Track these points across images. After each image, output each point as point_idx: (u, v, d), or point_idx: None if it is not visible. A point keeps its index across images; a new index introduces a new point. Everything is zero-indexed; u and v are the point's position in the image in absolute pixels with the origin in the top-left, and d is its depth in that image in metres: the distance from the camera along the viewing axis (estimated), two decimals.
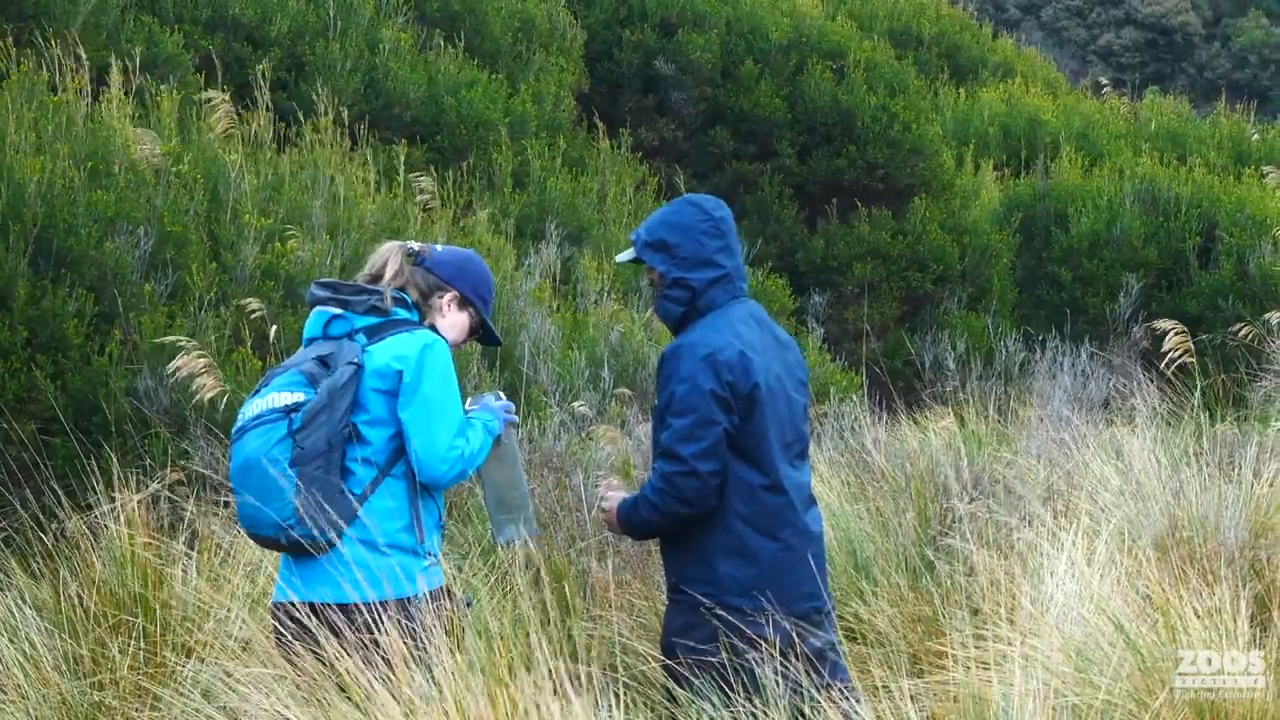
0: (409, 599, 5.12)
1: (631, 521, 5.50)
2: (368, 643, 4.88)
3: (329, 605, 5.12)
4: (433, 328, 5.44)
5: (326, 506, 5.09)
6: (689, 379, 5.35)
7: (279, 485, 5.12)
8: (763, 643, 5.24)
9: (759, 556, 5.39)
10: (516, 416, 5.58)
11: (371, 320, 5.35)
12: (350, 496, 5.17)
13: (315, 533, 5.09)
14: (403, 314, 5.38)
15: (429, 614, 4.95)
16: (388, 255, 5.51)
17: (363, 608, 5.04)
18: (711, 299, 5.50)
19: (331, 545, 5.15)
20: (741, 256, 5.64)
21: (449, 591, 5.33)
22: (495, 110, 13.37)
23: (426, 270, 5.50)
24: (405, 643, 4.78)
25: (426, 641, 4.78)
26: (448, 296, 5.50)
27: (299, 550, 5.18)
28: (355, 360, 5.26)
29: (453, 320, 5.51)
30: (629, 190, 14.47)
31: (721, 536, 5.40)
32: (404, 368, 5.23)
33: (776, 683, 5.12)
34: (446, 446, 5.22)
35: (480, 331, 5.63)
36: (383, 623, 4.88)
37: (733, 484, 5.39)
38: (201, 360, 7.67)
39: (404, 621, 4.93)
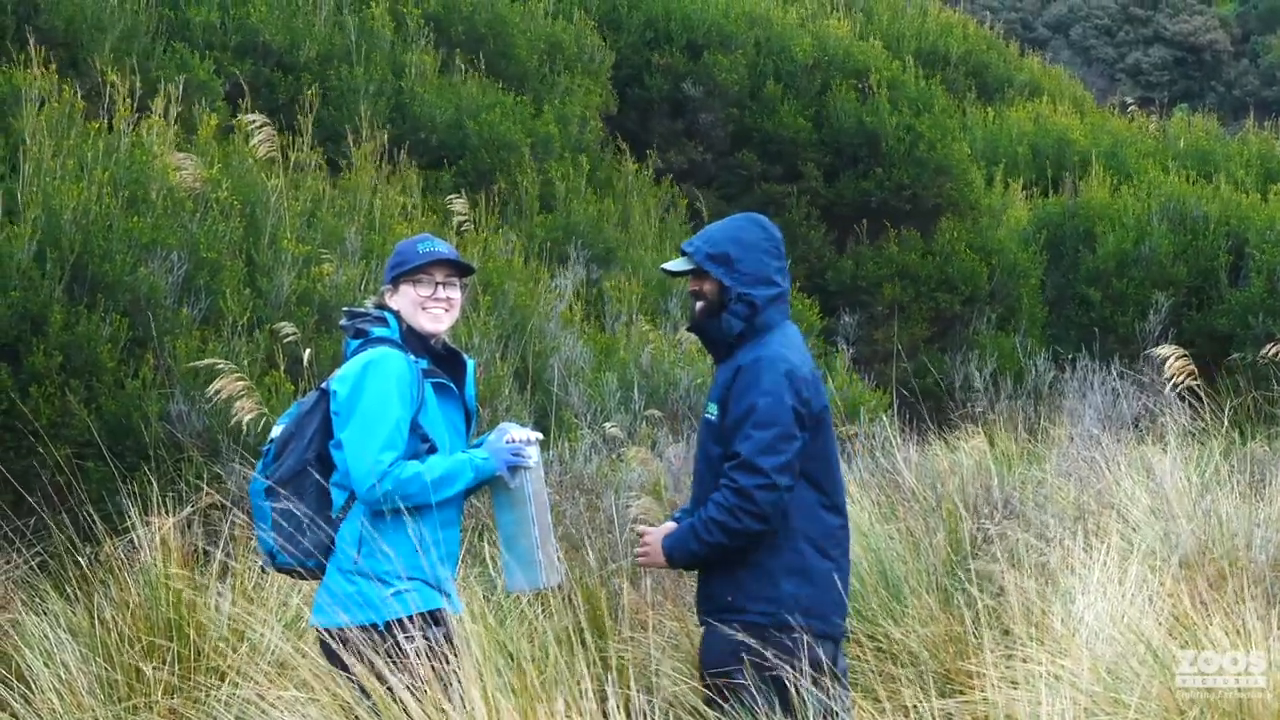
0: (371, 625, 5.08)
1: (689, 549, 5.34)
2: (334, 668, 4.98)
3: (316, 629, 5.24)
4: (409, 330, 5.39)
5: (307, 532, 5.17)
6: (772, 392, 5.28)
7: (260, 516, 5.26)
8: (807, 663, 5.21)
9: (815, 576, 5.34)
10: (529, 460, 5.34)
11: (355, 344, 5.38)
12: (322, 523, 5.20)
13: (293, 561, 5.21)
14: (379, 332, 5.36)
15: (404, 640, 4.90)
16: None
17: (329, 633, 5.08)
18: (769, 318, 5.45)
19: (315, 572, 5.25)
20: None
21: (433, 617, 5.17)
22: (517, 132, 13.41)
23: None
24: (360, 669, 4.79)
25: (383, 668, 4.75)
26: (388, 293, 5.45)
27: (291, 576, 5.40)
28: (323, 386, 5.32)
29: (401, 304, 5.40)
30: (655, 212, 14.49)
31: (787, 556, 5.31)
32: (340, 388, 5.23)
33: (812, 703, 5.10)
34: (372, 460, 5.11)
35: (427, 279, 5.40)
36: (346, 649, 4.88)
37: (795, 502, 5.32)
38: (240, 383, 7.72)
39: (362, 648, 4.88)
